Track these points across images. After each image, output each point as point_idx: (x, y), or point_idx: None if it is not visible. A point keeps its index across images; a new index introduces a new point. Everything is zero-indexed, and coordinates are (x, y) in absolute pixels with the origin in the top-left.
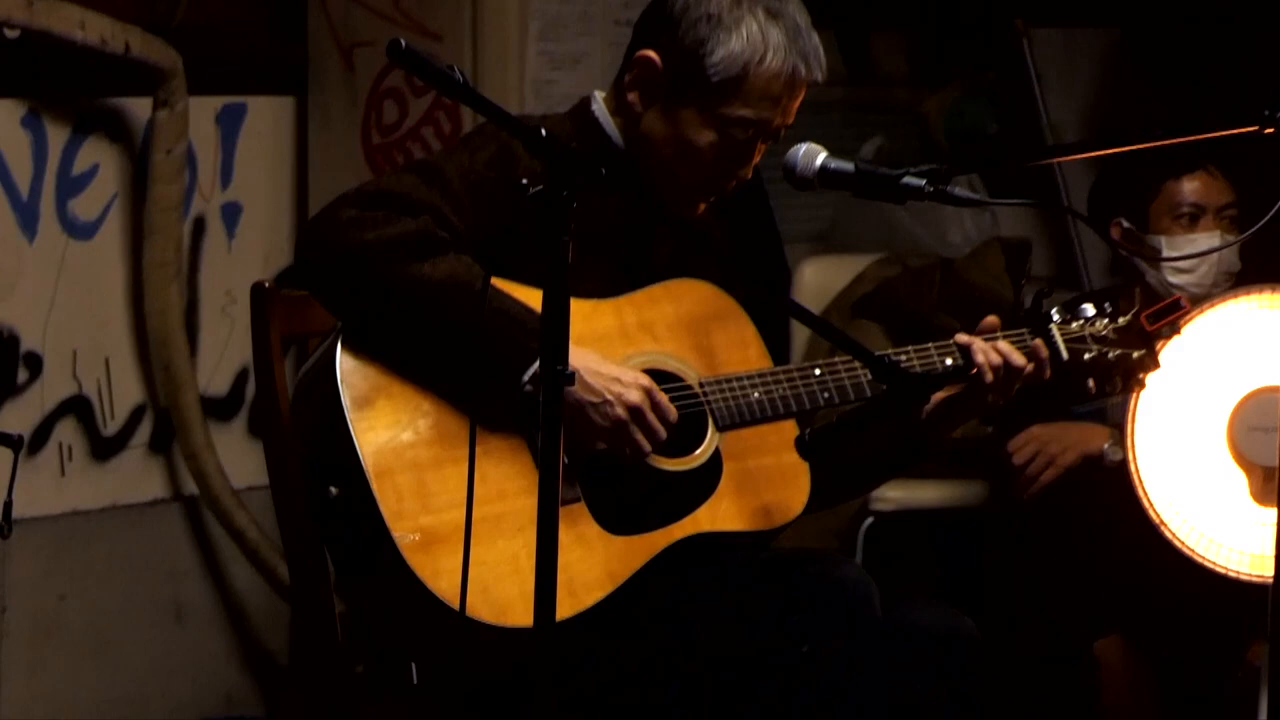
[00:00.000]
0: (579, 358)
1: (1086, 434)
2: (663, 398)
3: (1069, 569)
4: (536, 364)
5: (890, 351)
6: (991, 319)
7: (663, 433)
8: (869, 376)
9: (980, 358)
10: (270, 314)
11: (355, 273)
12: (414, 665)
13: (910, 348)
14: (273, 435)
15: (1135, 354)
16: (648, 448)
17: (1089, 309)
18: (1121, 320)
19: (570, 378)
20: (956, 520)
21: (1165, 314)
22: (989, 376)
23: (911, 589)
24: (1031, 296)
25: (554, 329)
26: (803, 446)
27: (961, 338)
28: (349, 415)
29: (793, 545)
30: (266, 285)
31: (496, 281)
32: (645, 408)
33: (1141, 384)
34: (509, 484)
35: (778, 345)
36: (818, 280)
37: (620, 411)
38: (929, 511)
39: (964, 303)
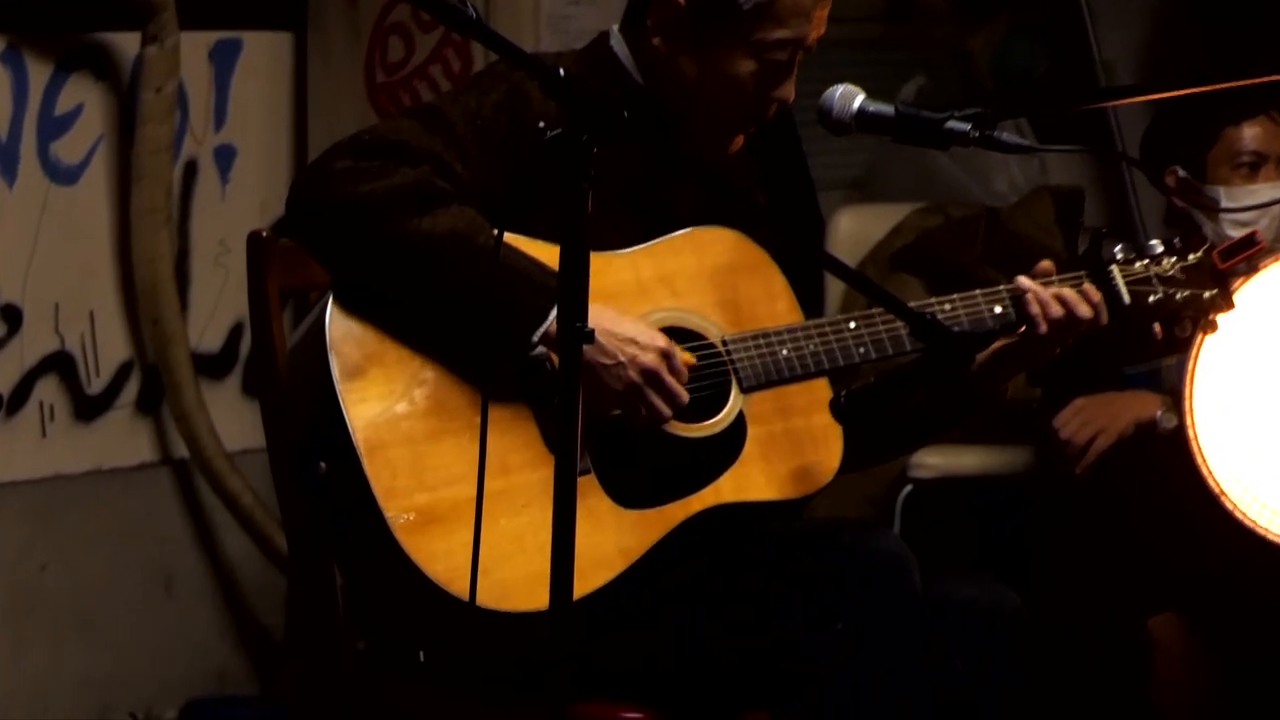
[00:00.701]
0: (592, 315)
1: (1137, 402)
2: (682, 361)
3: (1121, 542)
4: (547, 323)
5: (934, 300)
6: (1046, 263)
7: (683, 397)
8: (909, 331)
9: (1035, 307)
10: (267, 265)
11: (349, 228)
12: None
13: (956, 296)
14: (269, 394)
15: (1206, 294)
16: (666, 414)
17: (1155, 246)
18: (1191, 258)
19: (589, 335)
20: (1001, 489)
21: (1239, 250)
22: (1042, 327)
23: (953, 561)
24: (1086, 243)
25: (573, 284)
26: (838, 409)
27: (1020, 280)
28: (339, 386)
29: (825, 514)
30: (263, 234)
31: (510, 235)
32: (662, 371)
33: (1213, 326)
34: (512, 457)
35: (810, 300)
36: (853, 231)
37: (634, 375)
38: (971, 479)
39: (1010, 256)
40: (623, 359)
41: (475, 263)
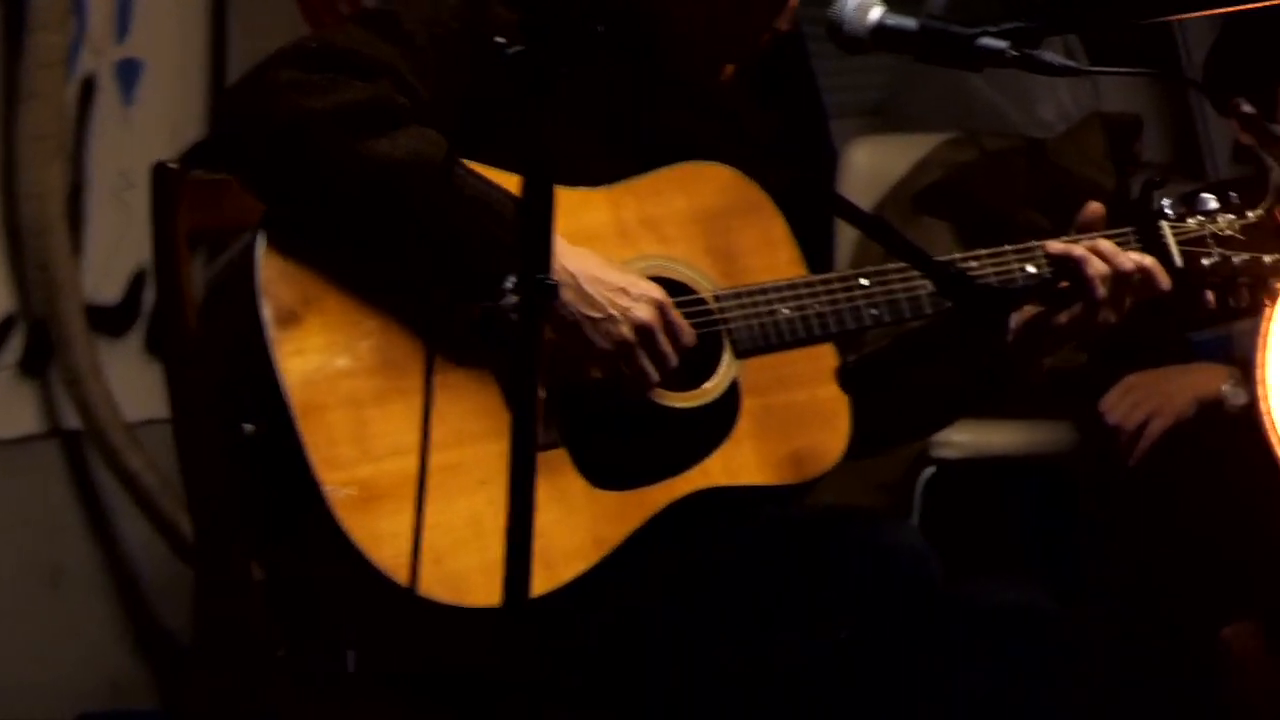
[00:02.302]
0: (576, 260)
1: (1197, 376)
2: (678, 315)
3: (1184, 537)
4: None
5: (957, 257)
6: (1095, 206)
7: (674, 359)
8: (931, 290)
9: (1079, 268)
10: (176, 202)
11: (293, 151)
12: (350, 650)
13: (982, 252)
14: (176, 356)
15: (1268, 258)
16: (655, 378)
17: (1209, 201)
18: (1251, 215)
19: (554, 289)
20: (1039, 472)
21: None
22: (1095, 291)
23: (982, 559)
24: (1139, 185)
25: (534, 228)
26: (845, 377)
27: (1053, 246)
28: (271, 334)
29: (830, 502)
30: (172, 166)
31: (470, 164)
32: (657, 328)
33: (1275, 296)
34: (471, 425)
35: (817, 249)
36: (871, 166)
37: (625, 331)
38: (1004, 460)
39: (1057, 195)
40: (613, 312)
41: (440, 192)
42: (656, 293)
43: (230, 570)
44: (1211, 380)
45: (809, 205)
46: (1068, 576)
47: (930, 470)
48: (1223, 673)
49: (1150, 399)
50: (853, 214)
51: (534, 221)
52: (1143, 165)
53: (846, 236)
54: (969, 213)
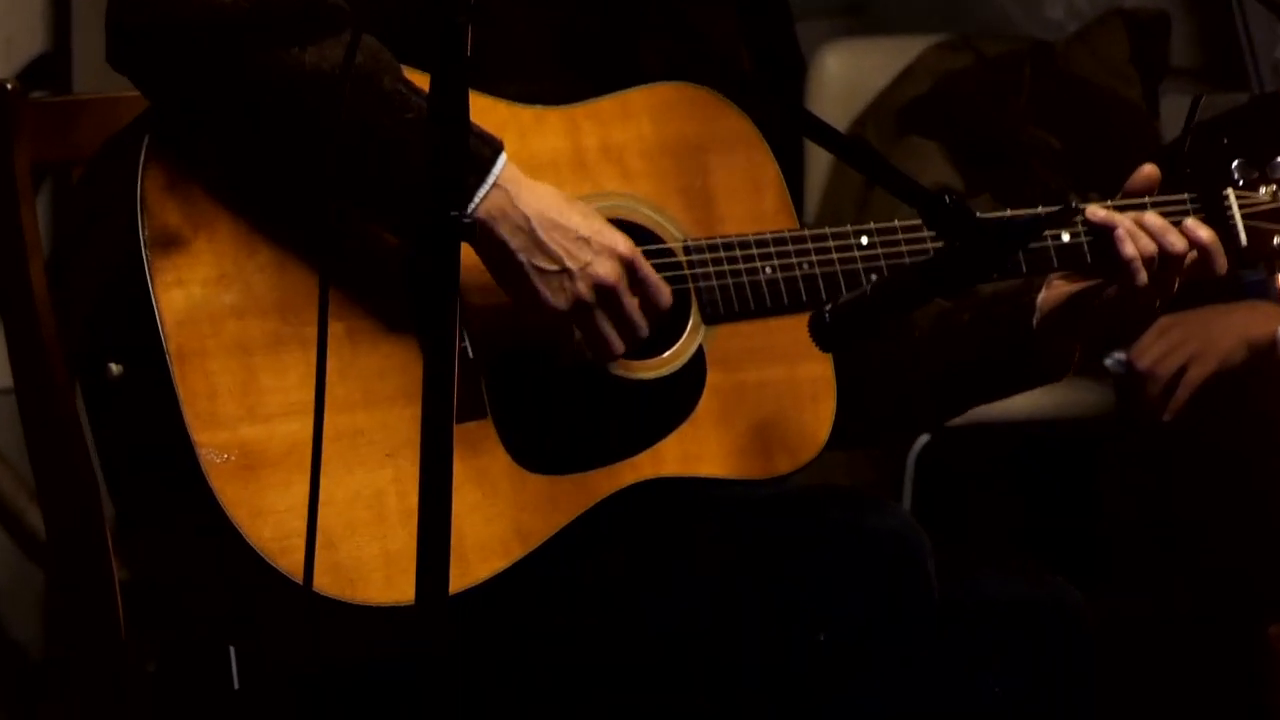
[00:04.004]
0: (533, 198)
1: (1248, 315)
2: (650, 272)
3: (1228, 514)
4: (485, 189)
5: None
6: (1147, 171)
7: (643, 327)
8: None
9: (1128, 246)
10: (15, 129)
11: (203, 53)
12: (233, 657)
13: (1008, 213)
14: (18, 311)
15: None
16: (618, 349)
17: None
18: None
19: (470, 229)
20: (1055, 440)
21: None
22: (1137, 274)
23: (986, 544)
24: (1195, 133)
25: (447, 150)
26: (820, 329)
27: (1096, 211)
28: (148, 258)
29: (806, 481)
30: (9, 85)
31: (413, 74)
32: (621, 288)
33: None
34: (380, 384)
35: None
36: (845, 76)
37: (583, 289)
38: (1013, 426)
39: (1068, 108)
40: (570, 265)
41: (374, 111)
42: (624, 244)
43: (89, 570)
44: (1265, 321)
45: (771, 124)
46: (1088, 563)
47: (924, 439)
48: (1270, 677)
49: (1189, 342)
50: (824, 135)
51: (444, 146)
52: (1173, 72)
53: (817, 166)
54: (963, 130)
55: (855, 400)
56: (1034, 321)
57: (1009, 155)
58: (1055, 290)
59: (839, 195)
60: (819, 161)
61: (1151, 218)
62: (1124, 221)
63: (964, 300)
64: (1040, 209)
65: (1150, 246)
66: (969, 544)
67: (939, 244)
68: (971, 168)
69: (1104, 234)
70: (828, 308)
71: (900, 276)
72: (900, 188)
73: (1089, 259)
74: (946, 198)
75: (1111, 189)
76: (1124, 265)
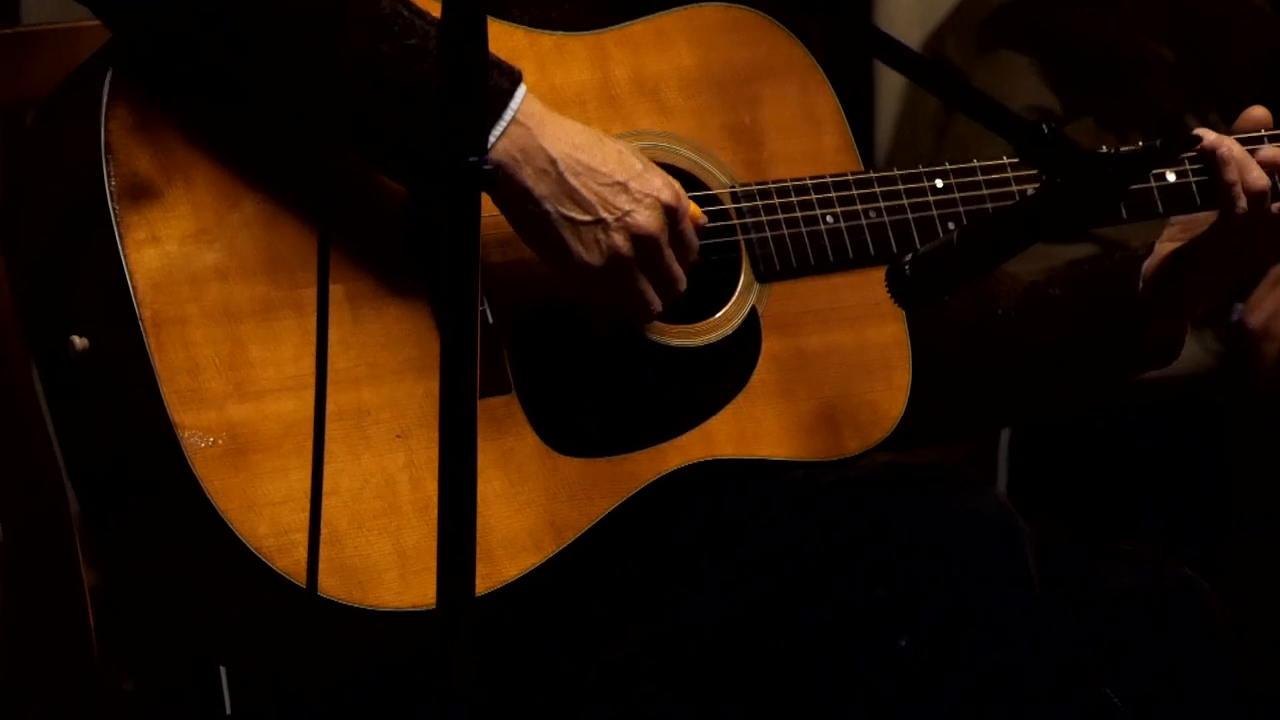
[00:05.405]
0: (559, 137)
1: None
2: (688, 223)
3: None
4: (502, 125)
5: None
6: (1258, 110)
7: (683, 282)
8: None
9: (1232, 175)
10: None
11: None
12: (223, 674)
13: (1109, 150)
14: None
15: None
16: (656, 307)
17: None
18: None
19: (491, 176)
20: (1171, 407)
21: None
22: (1240, 205)
23: (1095, 529)
24: None
25: (460, 82)
26: (899, 283)
27: (1207, 135)
28: (115, 211)
29: (880, 457)
30: None
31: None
32: (663, 241)
33: None
34: (387, 355)
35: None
36: None
37: (621, 242)
38: (1119, 391)
39: (1181, 13)
40: (605, 215)
41: (377, 26)
42: (667, 191)
43: (54, 576)
44: None
45: (830, 47)
46: (1211, 543)
47: None
48: None
49: None
50: (895, 54)
51: (458, 72)
52: None
53: (888, 91)
54: (1059, 43)
55: (932, 372)
56: (1138, 290)
57: (1113, 71)
58: (1158, 256)
59: (913, 127)
60: (889, 87)
61: (1271, 150)
62: (1236, 150)
63: (1057, 272)
64: (1158, 142)
65: (1263, 181)
66: (1074, 528)
67: (1026, 187)
68: (1070, 87)
69: (1212, 163)
70: (908, 258)
71: (990, 221)
72: (987, 114)
73: (1198, 200)
74: (1044, 126)
75: (1235, 110)
76: (1224, 191)
